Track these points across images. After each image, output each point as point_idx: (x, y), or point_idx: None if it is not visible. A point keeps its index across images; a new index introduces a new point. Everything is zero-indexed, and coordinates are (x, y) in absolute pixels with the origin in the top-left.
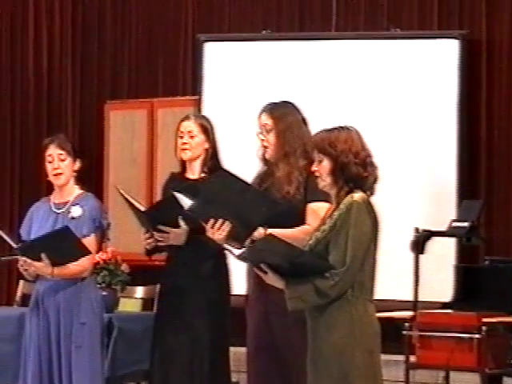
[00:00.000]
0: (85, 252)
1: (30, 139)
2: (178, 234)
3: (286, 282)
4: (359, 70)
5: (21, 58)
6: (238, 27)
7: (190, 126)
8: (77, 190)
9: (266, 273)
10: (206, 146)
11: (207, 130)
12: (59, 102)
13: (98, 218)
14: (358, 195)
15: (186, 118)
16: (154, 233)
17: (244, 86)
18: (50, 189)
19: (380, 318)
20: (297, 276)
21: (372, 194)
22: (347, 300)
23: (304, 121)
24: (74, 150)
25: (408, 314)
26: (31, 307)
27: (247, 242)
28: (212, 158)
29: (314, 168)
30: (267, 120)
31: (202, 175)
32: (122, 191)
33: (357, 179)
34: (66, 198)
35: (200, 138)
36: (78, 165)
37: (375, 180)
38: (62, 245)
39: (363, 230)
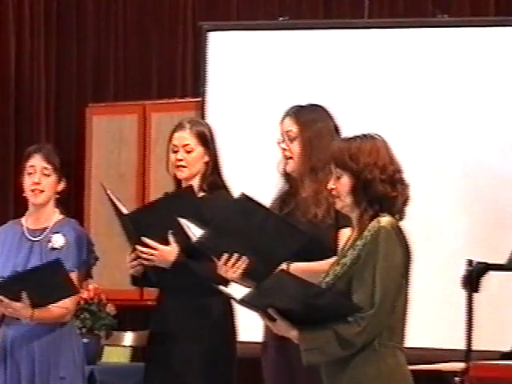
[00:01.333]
0: (73, 291)
1: None
2: (165, 253)
3: (299, 330)
4: (398, 64)
5: None
6: (248, 13)
7: (186, 137)
8: (57, 215)
9: (274, 320)
10: (206, 159)
11: (206, 140)
12: (30, 105)
13: (85, 251)
14: (385, 219)
15: (180, 127)
16: (137, 247)
17: (257, 86)
18: (18, 210)
19: (426, 371)
20: (313, 322)
21: (401, 218)
22: (374, 350)
23: (336, 129)
24: (61, 167)
25: (459, 365)
26: None
27: None
28: (212, 173)
29: (330, 185)
30: (291, 126)
31: (201, 194)
32: (108, 191)
33: (383, 200)
34: (44, 223)
35: (198, 151)
36: (62, 186)
37: (406, 201)
38: (48, 281)
39: (394, 262)
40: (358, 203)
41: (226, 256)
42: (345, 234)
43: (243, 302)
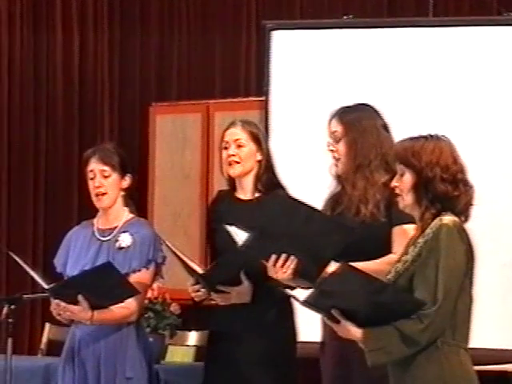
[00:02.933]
0: (132, 292)
1: (57, 152)
2: (241, 293)
3: (363, 330)
4: (463, 63)
5: (46, 50)
6: (312, 12)
7: (237, 133)
8: (126, 214)
9: (338, 321)
10: (259, 157)
11: (258, 138)
12: (93, 105)
13: (152, 249)
14: (448, 218)
15: (232, 124)
16: (212, 294)
17: (320, 84)
18: (81, 212)
19: (490, 372)
20: (376, 320)
21: (466, 219)
22: (436, 348)
23: (386, 127)
24: (123, 164)
25: None
26: (65, 358)
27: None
28: (266, 172)
29: (394, 183)
30: (337, 126)
31: (257, 195)
32: (169, 245)
33: (444, 199)
34: (113, 223)
35: (250, 147)
36: (127, 182)
37: (469, 202)
38: (103, 284)
39: (456, 260)
40: (419, 201)
41: (273, 257)
42: (399, 231)
43: (306, 303)
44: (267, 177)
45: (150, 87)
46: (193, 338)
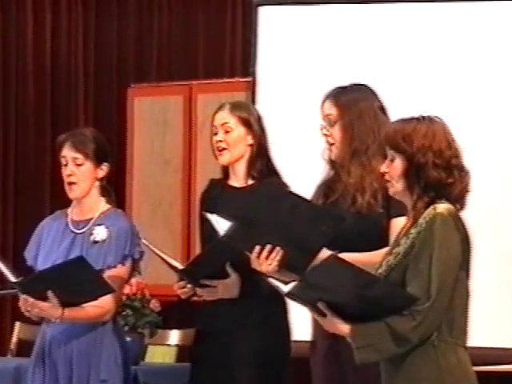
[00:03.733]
0: (107, 289)
1: (28, 137)
2: (228, 287)
3: (351, 325)
4: (461, 39)
5: (16, 29)
6: None
7: (224, 117)
8: (102, 205)
9: (324, 315)
10: (250, 141)
11: (249, 122)
12: (67, 86)
13: (129, 244)
14: (442, 206)
15: (220, 108)
16: (197, 289)
17: (311, 64)
18: (54, 200)
19: (493, 373)
20: (365, 315)
21: (462, 207)
22: (432, 346)
23: (383, 109)
24: (99, 152)
25: None
26: (35, 359)
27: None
28: (260, 158)
29: (383, 169)
30: (331, 109)
31: (250, 182)
32: (147, 243)
33: (438, 186)
34: (88, 214)
35: (239, 131)
36: (104, 171)
37: (464, 189)
38: (75, 280)
39: (451, 251)
40: (410, 189)
41: (258, 248)
42: (398, 223)
43: (291, 295)
44: (261, 163)
45: (127, 67)
46: (174, 336)
